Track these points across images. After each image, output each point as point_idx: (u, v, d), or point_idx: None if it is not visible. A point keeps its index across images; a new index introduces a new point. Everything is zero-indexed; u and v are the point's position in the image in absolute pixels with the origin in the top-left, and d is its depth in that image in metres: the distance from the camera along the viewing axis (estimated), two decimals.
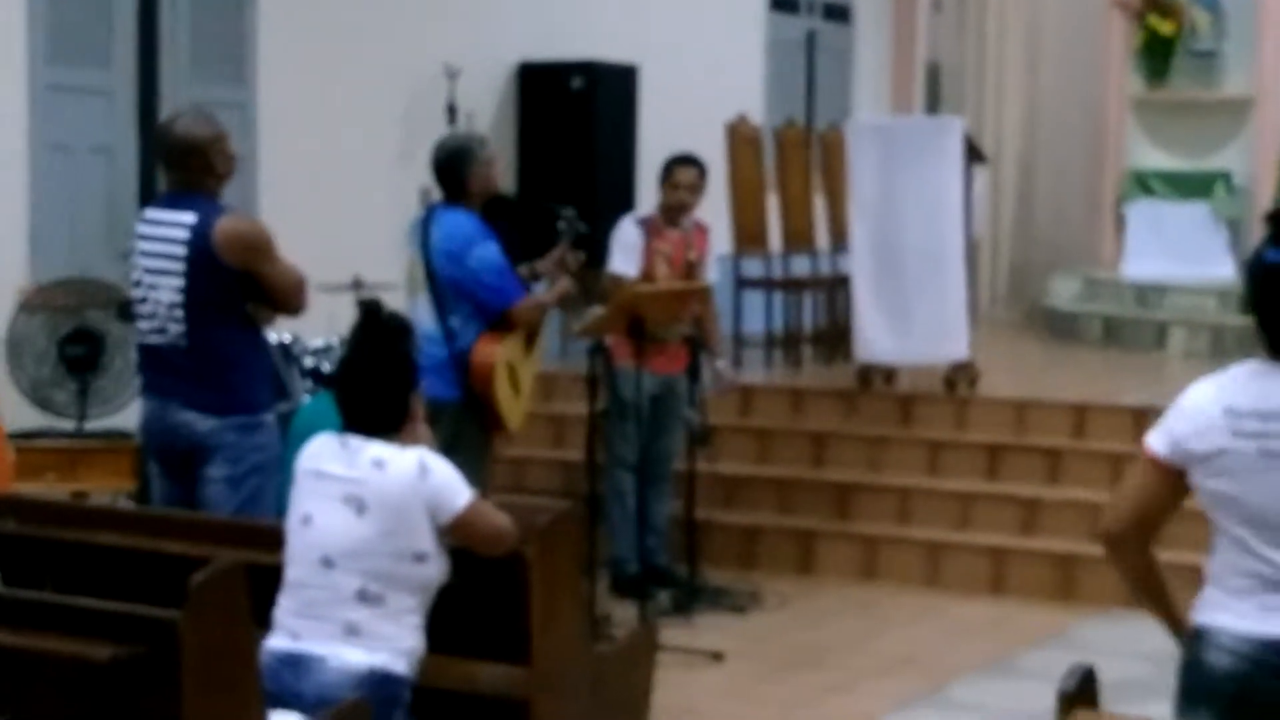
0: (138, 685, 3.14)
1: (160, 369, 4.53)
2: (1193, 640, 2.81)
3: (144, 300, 4.51)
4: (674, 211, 6.44)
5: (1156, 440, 2.83)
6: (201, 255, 4.39)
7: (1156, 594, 2.90)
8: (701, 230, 6.58)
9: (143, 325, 4.55)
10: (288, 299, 4.55)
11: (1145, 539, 2.86)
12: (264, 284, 4.47)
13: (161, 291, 4.45)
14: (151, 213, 4.61)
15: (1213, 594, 2.80)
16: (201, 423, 4.46)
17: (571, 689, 3.80)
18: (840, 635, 6.05)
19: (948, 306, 7.33)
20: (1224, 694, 2.73)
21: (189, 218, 4.41)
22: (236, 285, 4.45)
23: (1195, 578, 2.87)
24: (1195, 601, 2.85)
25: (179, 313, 4.43)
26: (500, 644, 3.73)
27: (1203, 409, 2.78)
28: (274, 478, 4.49)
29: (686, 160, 6.47)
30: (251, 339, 4.56)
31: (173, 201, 4.53)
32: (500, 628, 3.72)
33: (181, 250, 4.41)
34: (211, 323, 4.44)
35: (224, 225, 4.41)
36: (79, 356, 5.89)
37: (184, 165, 4.49)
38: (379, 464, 3.45)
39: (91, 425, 5.89)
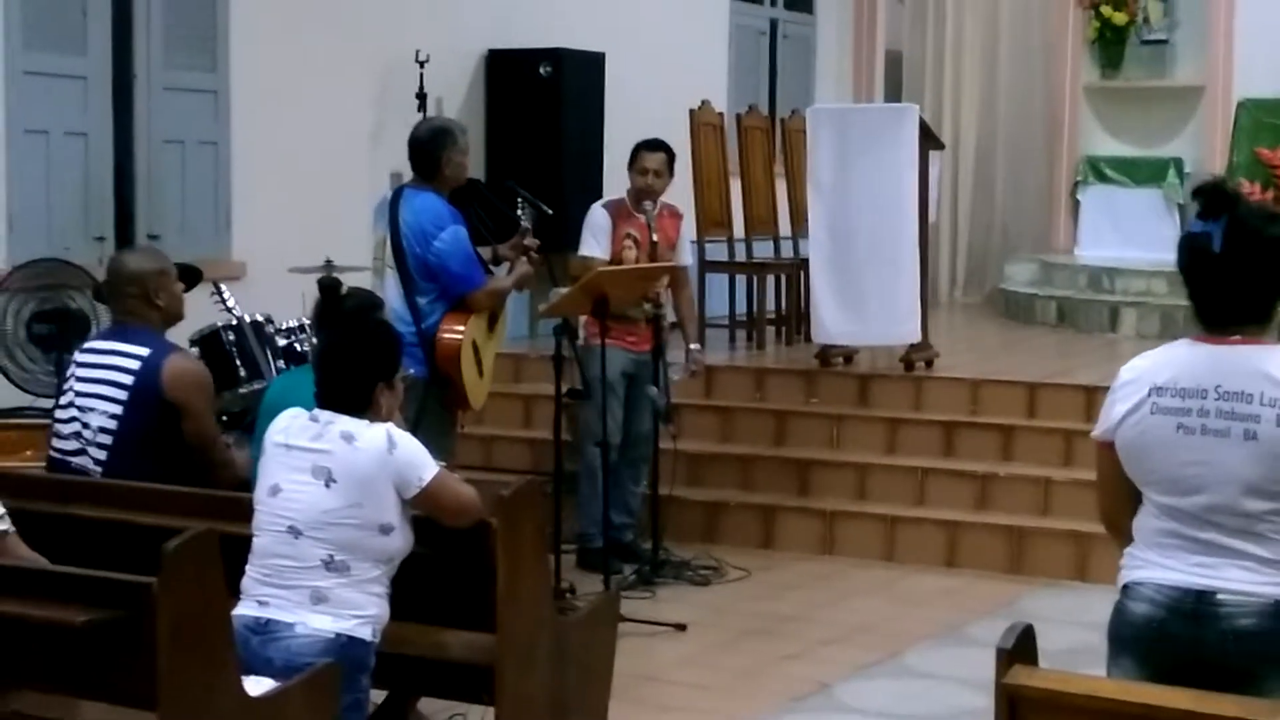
0: (114, 649, 3.22)
1: None
2: (1120, 594, 2.97)
3: (70, 420, 4.46)
4: (642, 195, 6.57)
5: (1099, 425, 2.98)
6: (147, 389, 4.38)
7: None
8: (674, 214, 6.72)
9: (59, 444, 4.50)
10: (203, 451, 4.44)
11: (1126, 512, 2.98)
12: (186, 425, 4.42)
13: (93, 415, 4.41)
14: (96, 343, 4.60)
15: (1140, 552, 2.95)
16: None
17: (536, 656, 3.90)
18: (799, 606, 6.21)
19: (901, 290, 7.47)
20: (1142, 639, 2.89)
21: (141, 350, 4.41)
22: (174, 423, 4.42)
23: None
24: (1124, 560, 2.99)
25: (106, 439, 4.40)
26: (467, 612, 3.85)
27: (1131, 385, 2.92)
28: None
29: (652, 145, 6.60)
30: (168, 479, 4.36)
31: (120, 334, 4.52)
32: (467, 596, 3.84)
33: (128, 379, 4.39)
34: (135, 456, 4.38)
35: (175, 361, 4.45)
36: (46, 335, 5.97)
37: (127, 295, 4.52)
38: (348, 437, 3.56)
39: None
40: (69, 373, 4.59)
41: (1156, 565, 2.90)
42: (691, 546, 6.81)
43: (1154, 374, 2.90)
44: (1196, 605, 2.83)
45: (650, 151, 6.58)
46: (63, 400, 4.54)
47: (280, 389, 4.59)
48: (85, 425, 4.44)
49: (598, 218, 6.54)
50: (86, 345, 4.67)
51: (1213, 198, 2.87)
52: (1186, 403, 2.84)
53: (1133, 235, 10.98)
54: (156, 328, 4.55)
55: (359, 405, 3.64)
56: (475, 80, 8.75)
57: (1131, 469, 2.94)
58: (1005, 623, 2.71)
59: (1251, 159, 9.17)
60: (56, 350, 5.97)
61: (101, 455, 4.41)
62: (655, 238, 6.58)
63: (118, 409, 4.39)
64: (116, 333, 4.58)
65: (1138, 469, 2.93)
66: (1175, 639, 2.85)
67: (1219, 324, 2.88)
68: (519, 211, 5.97)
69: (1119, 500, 3.00)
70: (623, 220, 6.54)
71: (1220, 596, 2.81)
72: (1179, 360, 2.90)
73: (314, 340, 5.30)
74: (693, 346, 6.78)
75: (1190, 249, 2.90)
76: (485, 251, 5.92)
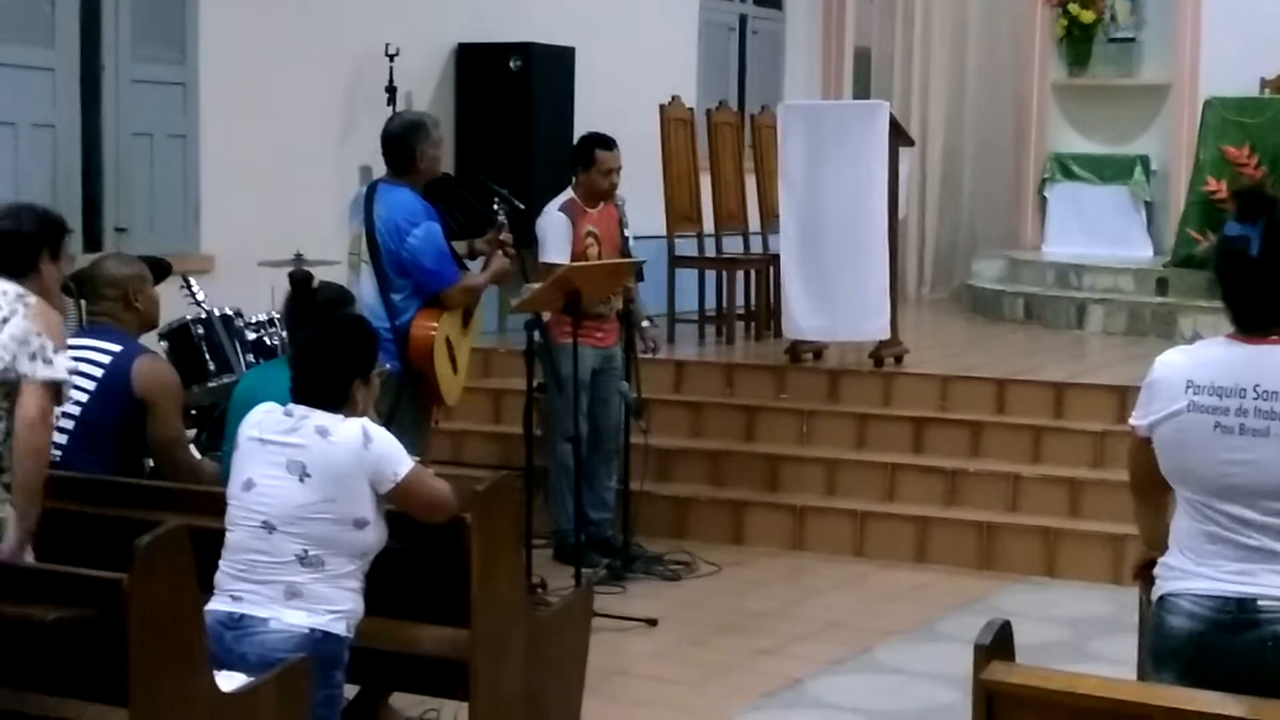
0: (85, 646, 3.21)
1: None
2: (1156, 606, 2.94)
3: None
4: (604, 194, 6.52)
5: (1135, 415, 2.98)
6: (116, 382, 4.40)
7: (1147, 530, 3.14)
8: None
9: None
10: (168, 450, 4.47)
11: (1155, 490, 3.02)
12: (152, 424, 4.44)
13: None
14: (70, 340, 4.51)
15: (1175, 561, 2.92)
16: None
17: (509, 651, 3.91)
18: (769, 602, 6.22)
19: (869, 286, 7.48)
20: (1184, 655, 2.86)
21: (113, 346, 4.45)
22: (138, 421, 4.43)
23: None
24: (1158, 571, 2.97)
25: (67, 424, 4.36)
26: (441, 607, 3.84)
27: (1167, 382, 2.91)
28: None
29: (610, 142, 6.51)
30: (125, 475, 4.37)
31: (94, 333, 4.56)
32: (441, 592, 3.84)
33: (97, 371, 4.41)
34: (95, 447, 4.38)
35: (147, 359, 4.48)
36: None
37: (105, 297, 4.57)
38: (323, 432, 3.55)
39: None
40: None
41: (1194, 575, 2.87)
42: (662, 542, 6.81)
43: (1190, 371, 2.89)
44: (1237, 614, 2.81)
45: (611, 150, 6.48)
46: None
47: (251, 383, 4.57)
48: None
49: (560, 222, 6.41)
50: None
51: (1251, 201, 2.87)
52: (1224, 401, 2.83)
53: (1099, 232, 11.06)
54: (131, 331, 4.60)
55: (335, 400, 3.63)
56: (445, 74, 8.72)
57: (1167, 466, 2.93)
58: (975, 618, 2.71)
59: (1218, 157, 9.21)
60: None
61: (61, 440, 4.37)
62: (627, 233, 6.57)
63: (83, 396, 4.39)
64: (90, 331, 4.62)
65: (1175, 467, 2.92)
66: (1217, 651, 2.82)
67: (1255, 327, 2.87)
68: (495, 206, 5.94)
69: (1147, 482, 3.03)
70: (580, 219, 6.46)
71: (1261, 603, 2.79)
72: (1216, 359, 2.88)
73: (283, 334, 5.28)
74: (644, 324, 6.75)
75: (1227, 252, 2.89)
76: (461, 246, 5.89)
